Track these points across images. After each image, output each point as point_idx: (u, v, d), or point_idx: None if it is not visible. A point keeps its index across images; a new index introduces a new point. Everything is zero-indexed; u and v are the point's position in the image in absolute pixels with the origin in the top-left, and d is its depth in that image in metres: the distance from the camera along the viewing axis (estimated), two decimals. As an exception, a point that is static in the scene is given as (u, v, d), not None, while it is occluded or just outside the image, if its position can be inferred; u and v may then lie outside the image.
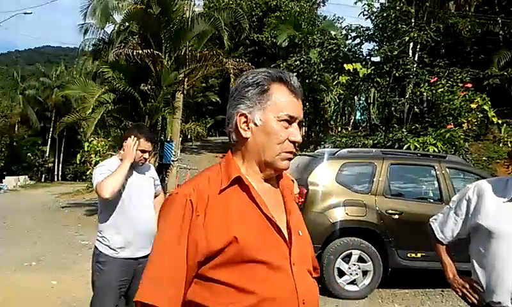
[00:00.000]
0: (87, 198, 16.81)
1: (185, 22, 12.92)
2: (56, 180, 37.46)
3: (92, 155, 12.61)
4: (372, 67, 11.71)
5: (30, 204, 16.19)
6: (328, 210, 5.41)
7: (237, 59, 14.65)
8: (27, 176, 32.77)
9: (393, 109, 12.21)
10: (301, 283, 1.20)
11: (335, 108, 15.26)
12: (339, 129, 18.18)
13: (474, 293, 1.99)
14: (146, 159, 3.05)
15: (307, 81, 14.49)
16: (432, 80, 10.72)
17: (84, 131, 14.59)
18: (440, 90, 10.29)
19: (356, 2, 12.04)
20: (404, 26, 11.74)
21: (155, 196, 3.20)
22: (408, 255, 5.44)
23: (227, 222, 1.16)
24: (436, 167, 5.77)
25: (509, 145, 11.17)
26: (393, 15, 11.76)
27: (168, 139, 13.11)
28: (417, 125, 11.12)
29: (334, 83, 14.24)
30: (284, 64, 15.43)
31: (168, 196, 1.27)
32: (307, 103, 17.15)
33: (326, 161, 5.79)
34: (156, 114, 12.74)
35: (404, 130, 10.76)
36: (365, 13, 12.35)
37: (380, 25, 12.35)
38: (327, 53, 12.69)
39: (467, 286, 2.02)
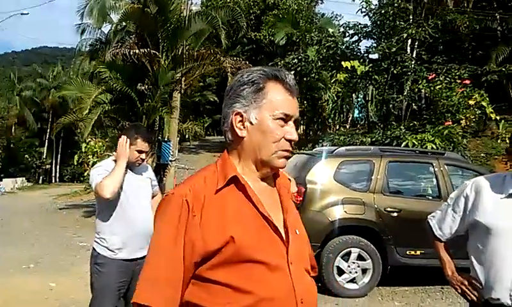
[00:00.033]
0: (85, 199, 16.78)
1: (182, 21, 12.90)
2: (53, 181, 37.40)
3: (90, 156, 12.60)
4: (370, 64, 11.69)
5: (27, 206, 16.16)
6: (327, 209, 5.40)
7: (235, 58, 14.64)
8: (24, 178, 32.74)
9: (391, 106, 12.20)
10: (299, 282, 1.19)
11: (333, 106, 15.26)
12: (337, 127, 18.20)
13: (473, 289, 1.99)
14: (143, 159, 3.04)
15: (305, 79, 14.51)
16: (430, 77, 10.72)
17: (81, 132, 14.58)
18: (438, 87, 10.30)
19: (353, 0, 12.03)
20: (402, 23, 11.74)
21: (153, 197, 3.19)
22: (407, 253, 5.44)
23: (223, 222, 1.15)
24: (435, 164, 5.77)
25: (507, 141, 11.18)
26: (391, 12, 11.76)
27: (166, 139, 13.08)
28: (415, 122, 11.12)
29: (332, 81, 14.24)
30: (282, 62, 15.44)
31: (164, 197, 1.27)
32: (305, 102, 17.16)
33: (324, 159, 5.79)
34: (153, 114, 12.73)
35: (402, 127, 10.76)
36: (363, 10, 12.34)
37: (378, 22, 12.35)
38: (325, 51, 12.69)
39: (466, 283, 2.02)
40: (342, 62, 11.54)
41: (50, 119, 36.84)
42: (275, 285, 1.15)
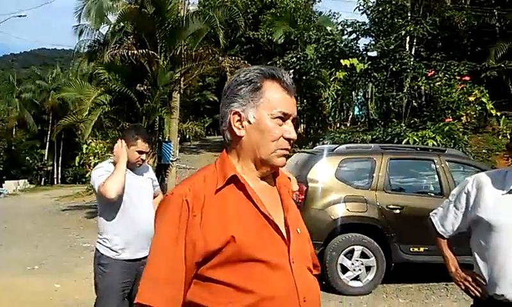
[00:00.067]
0: (87, 201, 16.78)
1: (179, 21, 12.87)
2: (55, 183, 37.41)
3: (91, 157, 12.62)
4: (369, 62, 11.71)
5: (30, 208, 16.17)
6: (329, 207, 5.41)
7: (233, 57, 14.61)
8: (26, 180, 32.75)
9: (391, 103, 12.22)
10: (301, 280, 1.19)
11: (332, 104, 15.22)
12: (338, 125, 18.16)
13: (477, 286, 1.99)
14: (143, 160, 3.05)
15: (304, 78, 14.50)
16: (429, 74, 10.73)
17: (82, 133, 14.59)
18: (437, 83, 10.31)
19: (351, -3, 12.04)
20: (400, 20, 11.75)
21: (154, 197, 3.20)
22: (411, 249, 5.45)
23: (224, 221, 1.15)
24: (436, 161, 5.77)
25: (508, 137, 11.18)
26: (389, 9, 11.77)
27: (166, 139, 13.08)
28: (416, 119, 11.12)
29: (331, 79, 14.22)
30: (280, 61, 15.43)
31: (164, 197, 1.27)
32: (305, 100, 17.14)
33: (325, 157, 5.79)
34: (153, 114, 12.71)
35: (402, 124, 10.77)
36: (361, 7, 12.36)
37: (376, 19, 12.36)
38: (323, 49, 12.70)
39: (469, 279, 2.02)
40: (341, 61, 11.55)
41: (50, 121, 36.82)
42: (277, 284, 1.15)
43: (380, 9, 11.98)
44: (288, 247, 1.20)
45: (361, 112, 16.84)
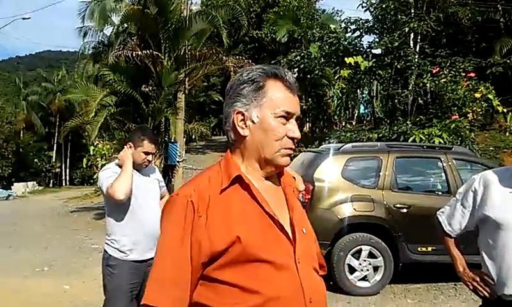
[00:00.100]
0: (95, 202, 16.88)
1: (183, 21, 12.90)
2: (63, 184, 37.69)
3: (98, 159, 12.69)
4: (373, 59, 11.66)
5: (39, 209, 16.30)
6: (335, 206, 5.39)
7: (237, 57, 14.62)
8: (35, 182, 33.04)
9: (396, 101, 12.15)
10: (307, 281, 1.19)
11: (338, 102, 15.16)
12: (343, 124, 18.10)
13: (485, 286, 1.97)
14: (149, 161, 3.07)
15: (308, 76, 14.46)
16: (434, 71, 10.67)
17: (89, 135, 14.66)
18: (442, 80, 10.24)
19: (354, -5, 12.01)
20: (403, 17, 11.68)
21: (161, 198, 3.22)
22: (419, 249, 5.40)
23: (229, 222, 1.15)
24: (443, 159, 5.73)
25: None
26: (393, 6, 11.71)
27: (172, 140, 13.11)
28: (422, 117, 11.06)
29: (336, 77, 14.18)
30: (284, 60, 15.41)
31: (169, 198, 1.27)
32: (309, 99, 17.10)
33: (331, 157, 5.77)
34: (159, 115, 12.75)
35: (408, 122, 10.72)
36: (364, 5, 12.31)
37: (379, 16, 12.30)
38: (327, 47, 12.66)
39: (477, 279, 2.00)
40: (345, 58, 11.51)
41: (57, 123, 37.08)
42: (282, 284, 1.15)
43: (383, 6, 11.91)
44: (293, 247, 1.20)
45: (366, 111, 16.77)
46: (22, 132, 38.71)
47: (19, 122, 37.82)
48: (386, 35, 11.82)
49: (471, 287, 2.04)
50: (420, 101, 12.51)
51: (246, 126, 1.22)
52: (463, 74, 10.34)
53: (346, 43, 12.53)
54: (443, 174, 5.69)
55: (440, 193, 5.70)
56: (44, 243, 9.03)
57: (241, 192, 1.20)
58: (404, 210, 5.40)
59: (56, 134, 36.69)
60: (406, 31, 11.34)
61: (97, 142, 13.37)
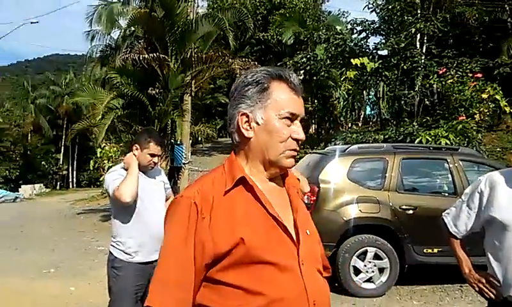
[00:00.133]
0: (102, 204, 16.94)
1: (189, 24, 12.93)
2: (70, 187, 37.93)
3: (105, 161, 12.75)
4: (380, 61, 11.63)
5: (46, 212, 16.39)
6: (341, 208, 5.38)
7: (244, 59, 14.63)
8: (42, 184, 33.21)
9: (403, 102, 12.10)
10: (311, 282, 1.19)
11: (344, 104, 15.12)
12: (349, 125, 18.06)
13: (491, 287, 1.96)
14: (155, 163, 3.08)
15: (314, 78, 14.47)
16: (441, 72, 10.61)
17: (96, 137, 14.74)
18: (449, 81, 10.18)
19: (360, -4, 11.98)
20: (410, 18, 11.64)
21: (166, 200, 3.23)
22: (425, 251, 5.37)
23: (233, 223, 1.15)
24: (449, 160, 5.70)
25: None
26: (399, 7, 11.68)
27: (178, 142, 13.15)
28: (428, 118, 11.00)
29: (342, 79, 14.16)
30: (290, 61, 15.44)
31: (173, 199, 1.28)
32: (315, 101, 17.09)
33: (336, 158, 5.76)
34: (165, 117, 12.79)
35: (415, 123, 10.66)
36: (370, 6, 12.28)
37: (386, 17, 12.27)
38: (333, 48, 12.65)
39: (483, 280, 1.99)
40: (351, 60, 11.49)
41: (65, 126, 37.36)
42: (286, 286, 1.15)
43: (389, 7, 11.89)
44: (297, 248, 1.20)
45: (372, 112, 16.72)
46: (29, 134, 39.05)
47: (27, 125, 38.16)
48: (392, 36, 11.79)
49: (477, 289, 2.03)
50: (427, 102, 12.43)
51: (251, 127, 1.22)
52: (470, 75, 10.27)
53: (352, 44, 12.51)
54: (449, 175, 5.66)
55: (446, 194, 5.66)
56: (51, 245, 9.07)
57: (245, 193, 1.20)
58: (410, 212, 5.38)
59: (64, 137, 36.96)
60: (413, 31, 11.30)
61: (104, 144, 13.43)
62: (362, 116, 18.31)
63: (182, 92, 13.31)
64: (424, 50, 12.22)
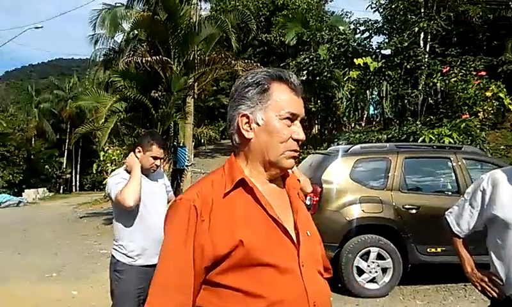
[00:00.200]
0: (105, 207, 16.99)
1: (192, 26, 12.96)
2: (74, 190, 38.07)
3: (108, 164, 12.80)
4: (383, 60, 11.60)
5: (49, 216, 16.45)
6: (344, 208, 5.37)
7: (246, 61, 14.64)
8: (45, 188, 33.31)
9: (406, 101, 12.05)
10: (311, 284, 1.18)
11: (347, 104, 15.10)
12: (352, 125, 18.01)
13: (494, 286, 1.95)
14: (157, 166, 3.07)
15: (317, 78, 14.46)
16: (444, 70, 10.58)
17: (99, 140, 14.79)
18: (453, 80, 10.16)
19: (363, -5, 11.96)
20: (413, 17, 11.61)
21: (168, 202, 3.22)
22: (428, 250, 5.36)
23: (232, 225, 1.15)
24: (452, 159, 5.68)
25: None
26: (402, 6, 11.65)
27: (181, 145, 13.18)
28: (432, 117, 10.97)
29: (345, 79, 14.16)
30: (293, 62, 15.42)
31: (172, 202, 1.27)
32: (318, 101, 17.08)
33: (339, 158, 5.74)
34: (168, 120, 12.81)
35: (418, 122, 10.63)
36: (373, 5, 12.26)
37: (389, 17, 12.25)
38: (336, 49, 12.63)
39: (486, 279, 1.98)
40: (354, 60, 11.48)
41: (68, 130, 37.52)
42: (286, 288, 1.14)
43: (393, 6, 11.86)
44: (297, 250, 1.19)
45: (376, 112, 16.66)
46: (33, 139, 39.21)
47: (31, 129, 38.35)
48: (395, 35, 11.77)
49: (479, 288, 2.03)
50: (430, 101, 12.38)
51: (251, 129, 1.22)
52: (474, 73, 10.25)
53: (355, 44, 12.50)
54: (452, 174, 5.64)
55: (450, 193, 5.64)
56: (54, 249, 9.10)
57: (245, 195, 1.20)
58: (413, 211, 5.36)
59: (67, 141, 37.11)
60: (416, 30, 11.27)
61: (107, 147, 13.49)
62: (365, 115, 18.26)
63: (184, 94, 13.33)
64: (427, 49, 12.18)
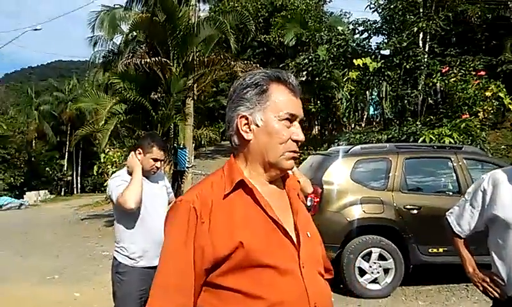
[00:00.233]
0: (106, 209, 16.98)
1: (191, 27, 12.95)
2: (75, 192, 38.05)
3: (109, 166, 12.79)
4: (382, 60, 11.60)
5: (50, 218, 16.44)
6: (345, 209, 5.37)
7: (245, 62, 14.64)
8: (47, 191, 33.31)
9: (406, 102, 12.05)
10: (312, 285, 1.18)
11: (347, 104, 15.09)
12: (352, 126, 18.01)
13: (495, 286, 1.94)
14: (158, 168, 3.08)
15: (317, 79, 14.47)
16: (444, 70, 10.58)
17: (99, 142, 14.80)
18: (452, 80, 10.16)
19: (362, -4, 11.98)
20: (412, 17, 11.61)
21: (169, 204, 3.22)
22: (430, 250, 5.35)
23: (232, 227, 1.15)
24: (453, 159, 5.68)
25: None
26: (401, 6, 11.64)
27: (181, 146, 13.17)
28: (432, 117, 10.96)
29: (344, 79, 14.15)
30: (293, 63, 15.41)
31: (171, 204, 1.28)
32: (318, 102, 17.08)
33: (340, 159, 5.75)
34: (168, 121, 12.81)
35: (418, 122, 10.63)
36: (372, 6, 12.25)
37: (387, 17, 12.24)
38: (335, 49, 12.63)
39: (487, 280, 1.98)
40: (354, 60, 11.47)
41: (68, 132, 37.52)
42: (286, 289, 1.14)
43: (391, 6, 11.85)
44: (298, 251, 1.19)
45: (376, 112, 16.66)
46: (34, 141, 39.23)
47: (31, 132, 38.36)
48: (394, 35, 11.76)
49: (481, 288, 2.03)
50: (430, 101, 12.38)
51: (250, 130, 1.22)
52: (473, 73, 10.25)
53: (354, 44, 12.49)
54: (453, 174, 5.64)
55: (451, 193, 5.64)
56: (55, 251, 9.10)
57: (244, 197, 1.20)
58: (415, 211, 5.36)
59: (67, 143, 37.12)
60: (415, 30, 11.26)
61: (108, 149, 13.48)
62: (365, 116, 18.27)
63: (184, 96, 13.33)
64: (426, 49, 12.17)
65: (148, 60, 12.23)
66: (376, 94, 14.16)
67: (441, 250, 5.31)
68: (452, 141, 8.59)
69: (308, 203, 5.21)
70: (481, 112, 9.73)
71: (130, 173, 2.98)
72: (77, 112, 34.33)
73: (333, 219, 5.32)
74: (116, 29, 17.96)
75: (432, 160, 6.01)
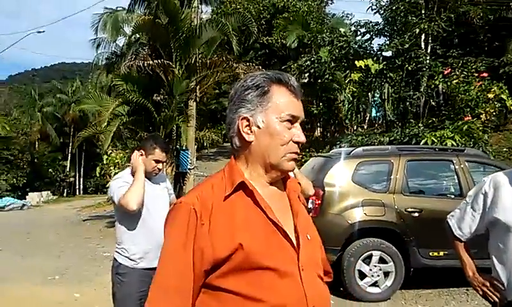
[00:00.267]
0: (108, 210, 17.01)
1: (193, 29, 12.98)
2: (77, 193, 38.14)
3: (111, 168, 12.82)
4: (384, 62, 11.60)
5: (53, 219, 16.48)
6: (346, 211, 5.34)
7: (248, 64, 14.66)
8: (49, 192, 33.40)
9: (408, 103, 12.04)
10: (311, 288, 1.18)
11: (349, 106, 15.09)
12: (354, 127, 18.00)
13: (495, 291, 1.93)
14: (160, 169, 3.08)
15: (319, 81, 14.50)
16: (446, 72, 10.56)
17: (102, 144, 14.85)
18: (454, 81, 10.14)
19: (363, -2, 11.98)
20: (413, 18, 11.61)
21: (170, 205, 3.23)
22: (430, 254, 5.31)
23: (232, 229, 1.15)
24: (455, 162, 5.64)
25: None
26: (402, 8, 11.64)
27: (184, 148, 13.19)
28: (434, 119, 10.94)
29: (346, 81, 14.15)
30: (295, 65, 15.42)
31: (172, 206, 1.27)
32: (320, 103, 17.09)
33: (341, 161, 5.73)
34: (170, 123, 12.83)
35: (420, 125, 10.61)
36: (374, 7, 12.26)
37: (389, 18, 12.25)
38: (337, 51, 12.63)
39: (487, 284, 1.96)
40: (356, 62, 11.48)
41: (71, 133, 37.63)
42: (285, 292, 1.14)
43: (393, 8, 11.86)
44: (297, 254, 1.19)
45: (378, 114, 16.65)
46: (37, 142, 39.37)
47: (34, 133, 38.51)
48: (396, 37, 11.76)
49: (480, 292, 2.01)
50: (432, 103, 12.37)
51: (251, 131, 1.22)
52: (476, 74, 10.22)
53: (356, 46, 12.49)
54: (455, 177, 5.61)
55: (452, 196, 5.61)
56: (57, 252, 9.12)
57: (245, 198, 1.20)
58: (416, 214, 5.33)
59: (70, 144, 37.23)
60: (417, 32, 11.26)
61: (110, 151, 13.52)
62: (367, 118, 18.25)
63: (186, 98, 13.36)
64: (428, 51, 12.17)
65: (151, 62, 12.26)
66: (378, 96, 14.16)
67: (441, 253, 5.27)
68: (454, 143, 8.57)
69: (310, 205, 5.21)
70: (483, 114, 9.70)
71: (133, 173, 2.99)
72: (80, 114, 34.50)
73: (334, 221, 5.30)
74: (119, 31, 18.05)
75: (434, 163, 5.98)
